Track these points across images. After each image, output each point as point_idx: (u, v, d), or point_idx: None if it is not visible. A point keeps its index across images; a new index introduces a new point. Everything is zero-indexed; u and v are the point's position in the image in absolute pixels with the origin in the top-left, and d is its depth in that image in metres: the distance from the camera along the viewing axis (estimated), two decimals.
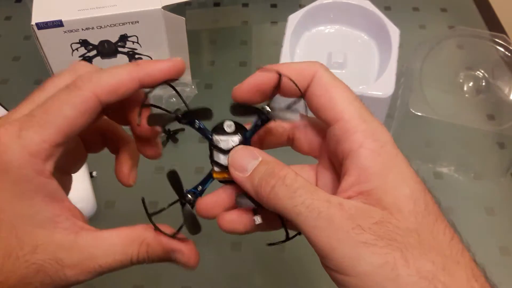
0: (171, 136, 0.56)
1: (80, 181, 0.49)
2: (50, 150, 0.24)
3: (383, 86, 0.51)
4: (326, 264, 0.23)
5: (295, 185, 0.24)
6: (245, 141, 0.28)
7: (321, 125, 0.29)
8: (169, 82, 0.27)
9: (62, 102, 0.25)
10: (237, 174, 0.26)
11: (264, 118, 0.27)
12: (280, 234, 0.28)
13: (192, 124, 0.28)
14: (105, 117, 0.31)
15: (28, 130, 0.24)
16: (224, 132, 0.28)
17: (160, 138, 0.57)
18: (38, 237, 0.24)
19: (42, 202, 0.24)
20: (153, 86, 0.27)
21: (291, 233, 0.27)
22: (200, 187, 0.28)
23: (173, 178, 0.27)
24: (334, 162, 0.28)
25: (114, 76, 0.26)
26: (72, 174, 0.32)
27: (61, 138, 0.24)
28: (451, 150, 0.57)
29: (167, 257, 0.27)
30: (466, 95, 0.58)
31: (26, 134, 0.24)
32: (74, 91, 0.25)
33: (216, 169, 0.28)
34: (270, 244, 0.28)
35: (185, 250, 0.27)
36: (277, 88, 0.28)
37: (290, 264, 0.47)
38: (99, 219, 0.50)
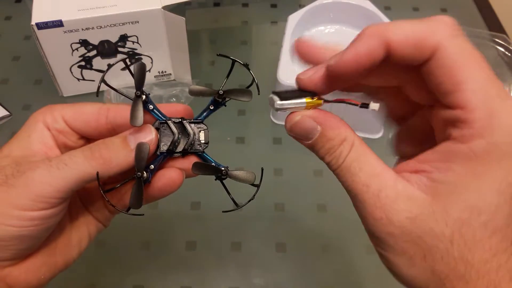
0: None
1: None
2: None
3: None
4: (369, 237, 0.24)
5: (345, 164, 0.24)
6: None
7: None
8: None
9: None
10: (297, 139, 0.26)
11: (219, 101, 0.29)
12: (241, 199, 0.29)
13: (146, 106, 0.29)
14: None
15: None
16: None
17: None
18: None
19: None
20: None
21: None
22: (152, 166, 0.29)
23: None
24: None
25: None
26: None
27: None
28: None
29: None
30: None
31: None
32: None
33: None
34: (224, 212, 0.30)
35: None
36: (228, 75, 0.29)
37: (290, 264, 0.47)
38: None
